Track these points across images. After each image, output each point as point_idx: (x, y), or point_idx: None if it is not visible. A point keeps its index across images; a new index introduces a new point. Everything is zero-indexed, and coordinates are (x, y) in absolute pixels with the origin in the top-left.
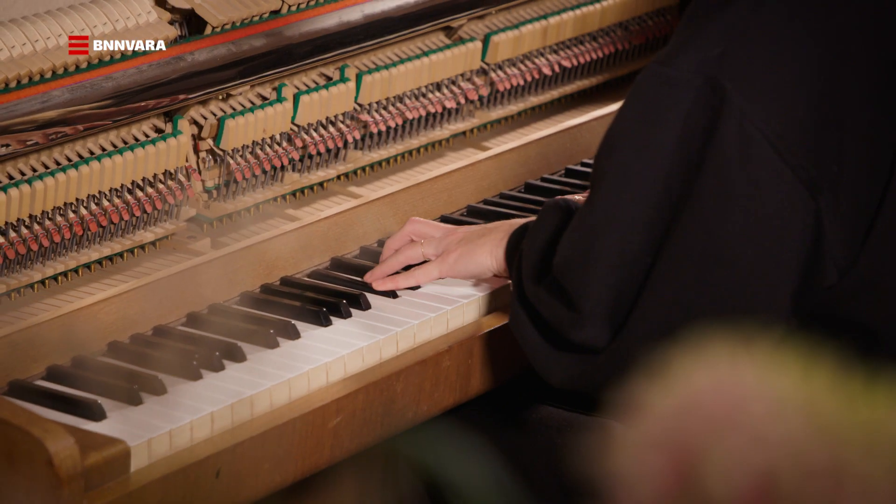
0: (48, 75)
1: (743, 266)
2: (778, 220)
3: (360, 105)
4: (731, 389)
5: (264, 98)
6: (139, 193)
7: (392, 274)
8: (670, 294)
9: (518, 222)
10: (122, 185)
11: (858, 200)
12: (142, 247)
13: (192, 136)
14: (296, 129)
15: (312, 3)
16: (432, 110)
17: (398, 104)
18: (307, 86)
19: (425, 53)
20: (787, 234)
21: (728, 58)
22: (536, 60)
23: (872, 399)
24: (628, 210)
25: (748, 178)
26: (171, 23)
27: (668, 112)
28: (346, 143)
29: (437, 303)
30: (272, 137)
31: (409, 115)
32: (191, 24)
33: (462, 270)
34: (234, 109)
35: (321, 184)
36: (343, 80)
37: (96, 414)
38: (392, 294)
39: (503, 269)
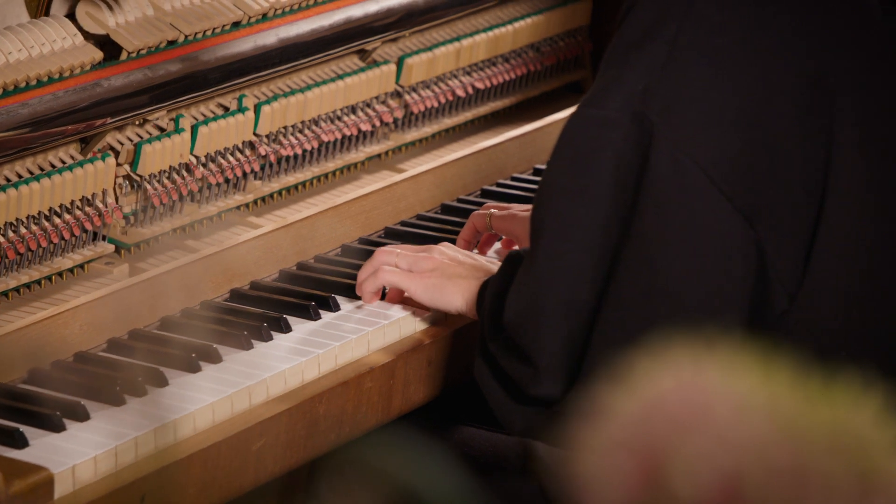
0: None
1: (689, 301)
2: (719, 253)
3: (273, 132)
4: (695, 392)
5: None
6: (57, 220)
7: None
8: (620, 336)
9: (494, 269)
10: (39, 213)
11: (797, 223)
12: (60, 274)
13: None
14: (202, 157)
15: (228, 27)
16: (347, 133)
17: (314, 127)
18: (214, 113)
19: (340, 77)
20: (729, 266)
21: (652, 92)
22: (450, 82)
23: (831, 399)
24: (571, 258)
25: (685, 210)
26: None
27: (599, 153)
28: (266, 167)
29: (358, 324)
30: (188, 163)
31: (325, 138)
32: (106, 49)
33: (430, 300)
34: (150, 134)
35: (238, 207)
36: (241, 109)
37: (18, 441)
38: (314, 315)
39: (473, 315)
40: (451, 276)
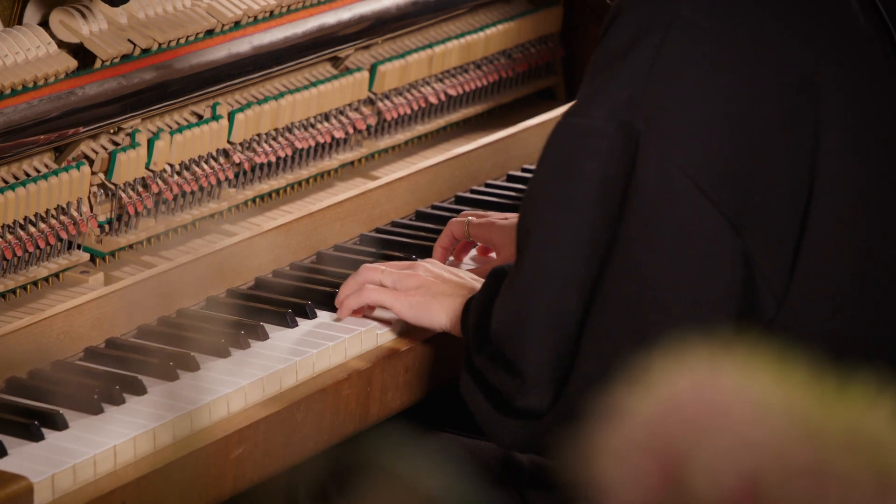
0: None
1: (676, 309)
2: (706, 260)
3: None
4: (713, 393)
5: (152, 132)
6: (32, 229)
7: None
8: (608, 345)
9: (477, 286)
10: (14, 221)
11: (784, 228)
12: (35, 283)
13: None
14: (186, 162)
15: (202, 35)
16: (321, 140)
17: (287, 135)
18: (188, 121)
19: (313, 84)
20: (716, 273)
21: (637, 100)
22: (423, 89)
23: (847, 399)
24: (557, 268)
25: (672, 218)
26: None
27: (584, 162)
28: (246, 172)
29: (336, 331)
30: (164, 170)
31: (299, 146)
32: (79, 57)
33: (415, 318)
34: (125, 143)
35: (212, 216)
36: (216, 117)
37: None
38: (292, 324)
39: (458, 332)
40: (435, 295)
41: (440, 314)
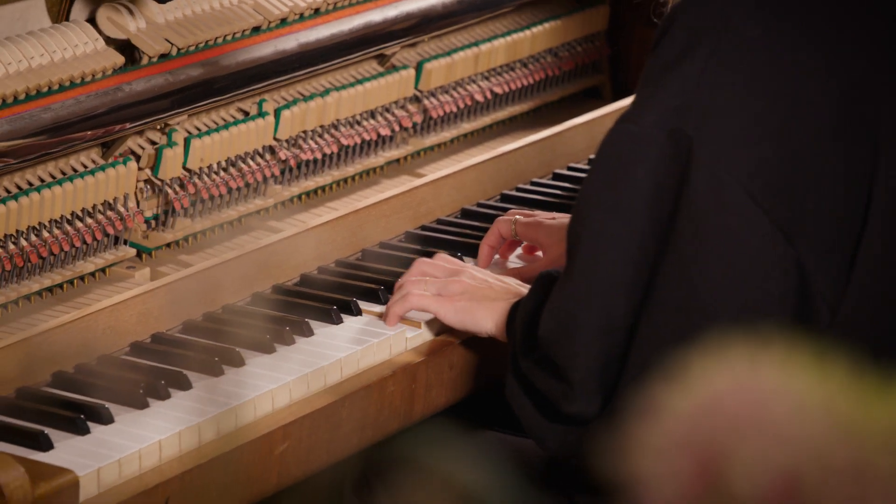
0: None
1: (726, 318)
2: (758, 270)
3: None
4: (752, 391)
5: (198, 129)
6: (79, 224)
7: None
8: (656, 353)
9: (523, 291)
10: (62, 216)
11: (839, 237)
12: (82, 277)
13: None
14: (232, 159)
15: (248, 32)
16: (367, 138)
17: (333, 131)
18: (234, 118)
19: (359, 81)
20: (767, 283)
21: (688, 108)
22: (469, 87)
23: (887, 398)
24: (607, 275)
25: (723, 225)
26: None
27: (635, 169)
28: (292, 170)
29: (381, 328)
30: (209, 167)
31: (345, 143)
32: (127, 54)
33: (460, 323)
34: (172, 139)
35: (258, 212)
36: (262, 113)
37: (43, 444)
38: (337, 320)
39: (503, 337)
40: (480, 299)
41: (486, 319)
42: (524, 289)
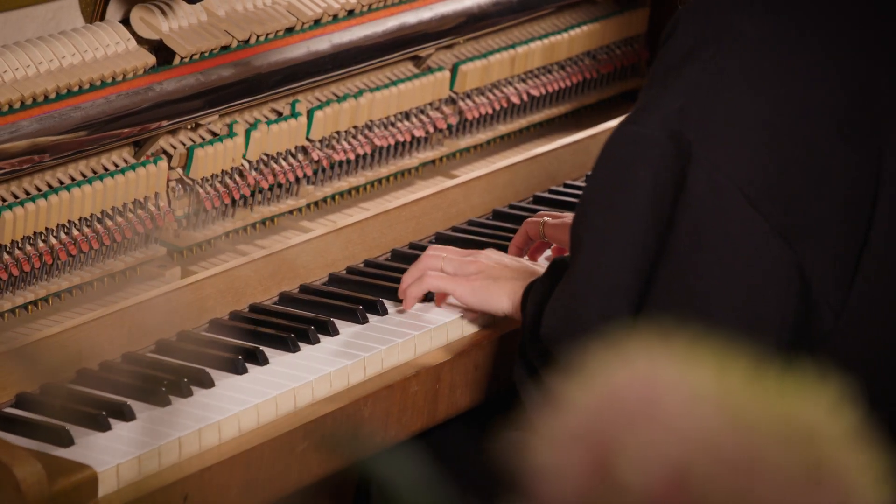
0: (17, 106)
1: (724, 322)
2: (756, 275)
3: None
4: (647, 384)
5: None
6: (109, 223)
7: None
8: None
9: (540, 271)
10: (91, 215)
11: (842, 242)
12: (112, 276)
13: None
14: (265, 158)
15: (282, 33)
16: (401, 139)
17: (367, 132)
18: (266, 118)
19: (394, 83)
20: (765, 288)
21: (688, 111)
22: (505, 89)
23: (784, 391)
24: (607, 275)
25: (720, 228)
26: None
27: (636, 171)
28: (322, 171)
29: (405, 328)
30: (241, 167)
31: (378, 143)
32: (159, 54)
33: (477, 303)
34: (203, 139)
35: (290, 212)
36: (294, 114)
37: (64, 440)
38: (362, 319)
39: (519, 316)
40: (496, 279)
41: (502, 298)
42: (540, 268)
